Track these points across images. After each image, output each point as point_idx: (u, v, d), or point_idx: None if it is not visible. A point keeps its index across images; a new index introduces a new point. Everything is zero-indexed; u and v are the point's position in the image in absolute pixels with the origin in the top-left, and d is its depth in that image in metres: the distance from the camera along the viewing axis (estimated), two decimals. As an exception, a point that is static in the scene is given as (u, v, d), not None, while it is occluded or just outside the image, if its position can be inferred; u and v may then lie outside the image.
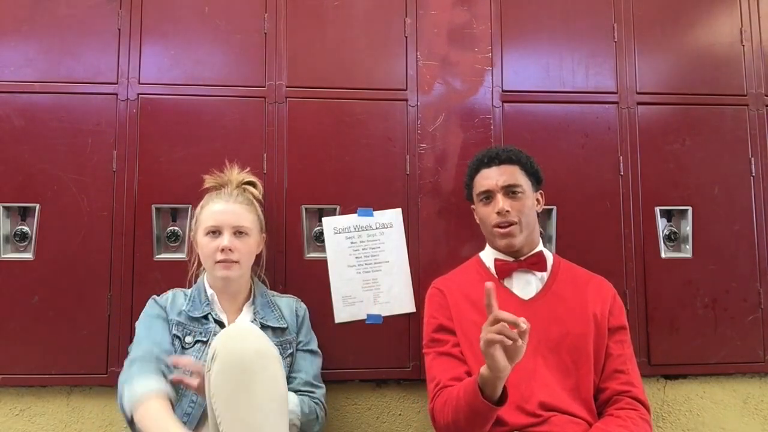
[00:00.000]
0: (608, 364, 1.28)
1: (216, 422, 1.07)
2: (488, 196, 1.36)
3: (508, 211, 1.31)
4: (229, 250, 1.32)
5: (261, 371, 1.07)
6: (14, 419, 1.55)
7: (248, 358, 1.07)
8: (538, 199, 1.41)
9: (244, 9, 1.66)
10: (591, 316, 1.29)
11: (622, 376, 1.26)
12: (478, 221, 1.43)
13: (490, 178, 1.36)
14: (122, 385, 1.19)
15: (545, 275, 1.35)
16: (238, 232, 1.35)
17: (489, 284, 1.06)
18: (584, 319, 1.28)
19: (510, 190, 1.34)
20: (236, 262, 1.33)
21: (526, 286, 1.33)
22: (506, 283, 1.35)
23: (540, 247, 1.38)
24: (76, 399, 1.57)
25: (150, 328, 1.30)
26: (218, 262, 1.32)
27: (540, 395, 1.22)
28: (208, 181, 1.47)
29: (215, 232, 1.34)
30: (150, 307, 1.36)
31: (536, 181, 1.40)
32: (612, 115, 1.71)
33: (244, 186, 1.47)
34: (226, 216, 1.34)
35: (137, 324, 1.34)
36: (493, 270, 1.37)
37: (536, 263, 1.34)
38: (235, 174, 1.48)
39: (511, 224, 1.32)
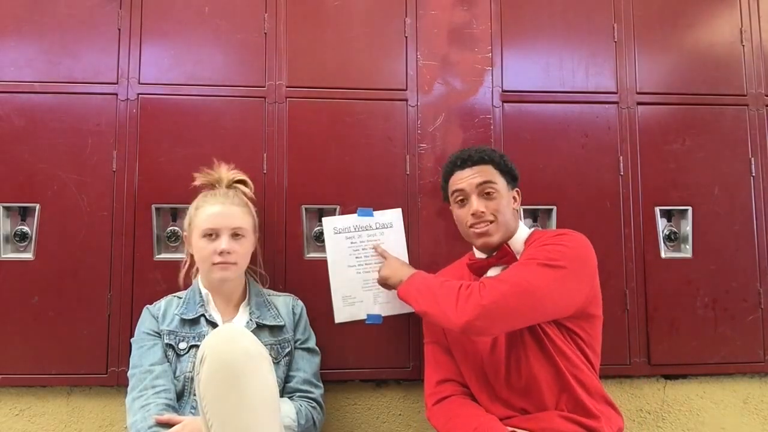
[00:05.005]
0: None
1: (207, 425, 1.06)
2: (463, 198, 1.36)
3: (482, 212, 1.32)
4: (227, 252, 1.32)
5: (250, 372, 1.07)
6: (14, 419, 1.55)
7: (237, 359, 1.07)
8: (514, 197, 1.38)
9: (244, 9, 1.66)
10: None
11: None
12: (455, 221, 1.42)
13: (464, 179, 1.35)
14: (128, 404, 1.26)
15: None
16: (235, 234, 1.35)
17: None
18: None
19: (484, 190, 1.33)
20: (234, 263, 1.33)
21: None
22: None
23: (513, 238, 1.35)
24: (76, 399, 1.57)
25: (142, 356, 1.30)
26: (215, 264, 1.32)
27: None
28: (199, 178, 1.45)
29: (212, 234, 1.33)
30: (142, 322, 1.36)
31: (511, 179, 1.38)
32: (612, 115, 1.71)
33: (235, 185, 1.45)
34: (223, 218, 1.34)
35: (132, 341, 1.36)
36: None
37: (503, 257, 1.33)
38: (224, 172, 1.46)
39: (488, 223, 1.32)
